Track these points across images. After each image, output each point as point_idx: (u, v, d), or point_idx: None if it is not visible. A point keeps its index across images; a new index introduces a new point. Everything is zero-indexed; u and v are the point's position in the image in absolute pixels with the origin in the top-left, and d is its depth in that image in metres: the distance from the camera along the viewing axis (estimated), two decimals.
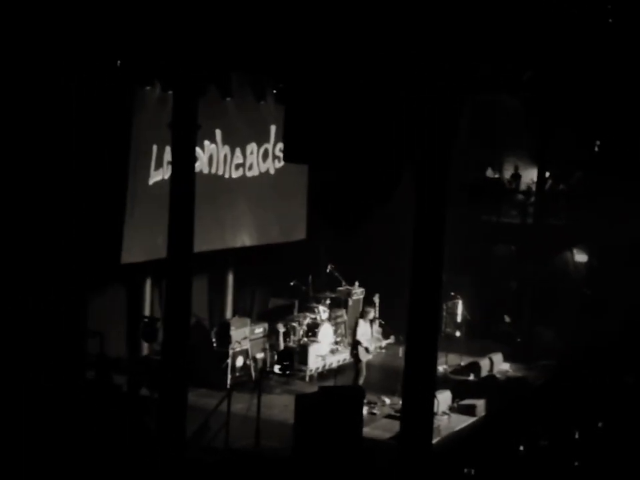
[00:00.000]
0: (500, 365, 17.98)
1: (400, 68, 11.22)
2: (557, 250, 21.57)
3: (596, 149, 23.51)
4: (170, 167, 13.36)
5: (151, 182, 15.11)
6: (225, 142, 16.53)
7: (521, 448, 12.87)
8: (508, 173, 23.73)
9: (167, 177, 14.67)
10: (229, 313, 17.93)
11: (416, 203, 11.27)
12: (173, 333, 12.39)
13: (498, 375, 17.54)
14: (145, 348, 16.03)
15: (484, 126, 22.94)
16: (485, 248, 21.97)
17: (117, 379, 13.72)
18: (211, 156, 16.31)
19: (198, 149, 14.46)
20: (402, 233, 15.35)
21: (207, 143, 16.06)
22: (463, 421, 14.92)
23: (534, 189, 22.42)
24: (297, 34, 11.50)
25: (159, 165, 15.16)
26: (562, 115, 20.60)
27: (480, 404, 15.30)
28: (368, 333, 15.93)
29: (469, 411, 15.20)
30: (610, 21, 14.05)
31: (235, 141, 16.80)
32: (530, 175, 23.38)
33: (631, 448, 12.45)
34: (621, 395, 15.46)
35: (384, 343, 17.10)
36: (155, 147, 14.98)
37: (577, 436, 13.34)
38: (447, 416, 14.94)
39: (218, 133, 16.34)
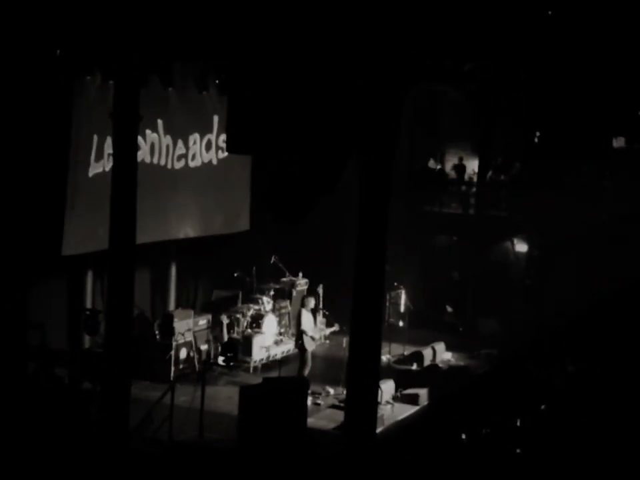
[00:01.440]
0: (442, 355, 18.15)
1: (343, 58, 11.24)
2: (497, 240, 21.84)
3: (536, 140, 23.84)
4: (111, 158, 13.22)
5: (91, 173, 14.94)
6: (167, 132, 16.41)
7: (463, 436, 13.01)
8: (450, 164, 23.94)
9: (107, 168, 14.54)
10: (172, 305, 17.82)
11: (360, 193, 11.32)
12: (116, 325, 12.28)
13: (440, 365, 17.70)
14: (87, 340, 15.86)
15: (427, 117, 23.12)
16: (427, 238, 22.15)
17: (59, 371, 13.54)
18: (152, 145, 16.17)
19: (139, 138, 14.32)
20: (345, 223, 15.45)
21: (148, 132, 15.91)
22: (406, 410, 15.03)
23: (475, 179, 22.66)
24: (238, 24, 11.44)
25: (100, 156, 14.99)
26: (503, 106, 20.85)
27: (423, 393, 15.43)
28: (311, 323, 15.95)
29: (412, 400, 15.32)
30: (549, 13, 14.24)
31: (177, 131, 16.68)
32: (471, 166, 23.63)
33: (573, 435, 12.66)
34: (562, 383, 15.72)
35: (328, 331, 17.13)
36: (95, 138, 14.81)
37: (518, 424, 13.52)
38: (391, 405, 15.04)
39: (160, 122, 16.21)
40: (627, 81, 19.22)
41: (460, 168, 23.72)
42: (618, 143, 23.22)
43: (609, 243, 20.08)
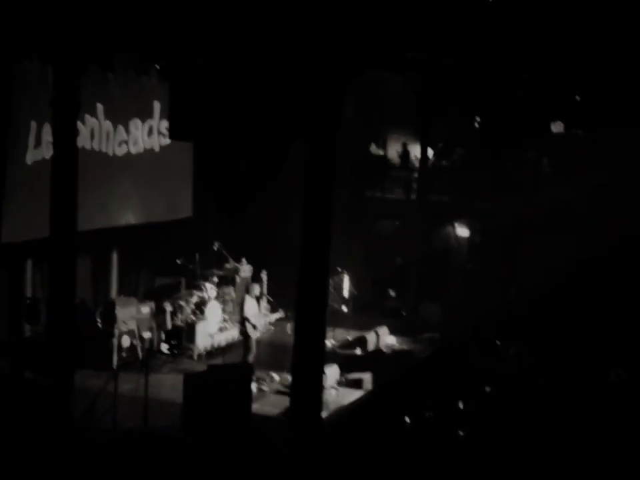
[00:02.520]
0: (386, 339, 18.27)
1: (285, 45, 11.22)
2: (440, 225, 22.03)
3: (476, 125, 24.09)
4: (50, 146, 13.04)
5: (30, 160, 14.74)
6: (107, 117, 16.24)
7: (407, 420, 13.15)
8: (392, 150, 24.06)
9: (47, 156, 14.32)
10: (114, 293, 17.66)
11: (304, 180, 11.32)
12: (57, 314, 12.14)
13: (384, 349, 17.83)
14: (28, 330, 15.64)
15: (368, 104, 23.19)
16: (370, 224, 22.26)
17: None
18: (92, 130, 16.00)
19: (79, 123, 14.18)
20: (289, 209, 15.44)
21: (87, 117, 15.73)
22: (351, 395, 15.11)
23: (417, 165, 22.81)
24: (178, 11, 11.36)
25: (38, 143, 14.79)
26: (444, 92, 21.01)
27: (367, 377, 15.53)
28: (255, 309, 15.93)
29: (357, 384, 15.40)
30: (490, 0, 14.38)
31: (118, 116, 16.52)
32: (413, 152, 23.78)
33: (514, 417, 12.87)
34: (503, 366, 15.97)
35: (272, 317, 17.13)
36: (34, 125, 14.61)
37: (460, 406, 13.70)
38: (335, 390, 15.11)
39: (99, 107, 16.04)
40: (564, 66, 19.52)
41: (404, 153, 23.88)
42: (556, 128, 23.56)
43: (548, 228, 20.40)
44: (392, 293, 21.55)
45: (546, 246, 19.80)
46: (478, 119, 24.07)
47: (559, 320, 18.22)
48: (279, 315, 16.79)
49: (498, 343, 17.24)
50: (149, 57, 15.35)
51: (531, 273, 19.46)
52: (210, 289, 17.58)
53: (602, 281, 19.58)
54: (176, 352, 16.56)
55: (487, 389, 14.47)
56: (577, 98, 22.78)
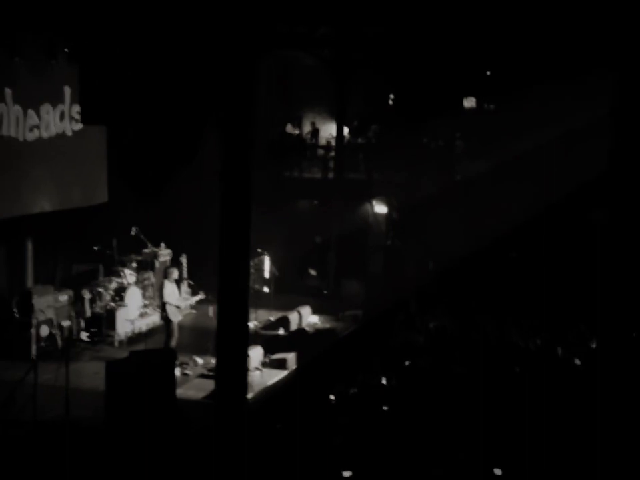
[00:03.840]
0: (308, 318, 18.37)
1: (196, 24, 11.10)
2: (357, 203, 22.16)
3: (390, 102, 24.26)
4: None
5: None
6: (16, 101, 15.85)
7: (332, 397, 13.24)
8: (308, 129, 24.08)
9: None
10: (30, 282, 17.31)
11: (221, 161, 11.23)
12: None
13: (307, 328, 17.92)
14: None
15: (281, 83, 23.15)
16: (289, 204, 22.26)
17: None
18: (1, 115, 15.61)
19: None
20: (207, 192, 15.34)
21: None
22: (275, 375, 15.16)
23: (333, 143, 22.88)
24: None
25: None
26: (357, 69, 21.10)
27: (291, 357, 15.59)
28: (175, 293, 15.81)
29: (281, 364, 15.46)
30: None
31: (27, 100, 16.14)
32: (329, 130, 23.83)
33: (436, 390, 13.07)
34: (423, 340, 16.19)
35: (193, 300, 17.03)
36: None
37: (383, 382, 13.86)
38: (260, 371, 15.15)
39: (7, 92, 15.64)
40: (474, 41, 19.78)
41: (314, 132, 23.91)
42: (469, 103, 23.87)
43: (463, 202, 20.71)
44: (313, 272, 21.64)
45: (461, 220, 20.11)
46: (392, 95, 24.24)
47: (475, 291, 18.56)
48: (199, 297, 16.67)
49: (418, 317, 17.48)
50: (57, 39, 15.07)
51: (447, 247, 19.73)
52: (129, 275, 17.38)
53: (513, 251, 20.03)
54: (96, 339, 16.36)
55: (409, 362, 14.66)
56: (487, 73, 23.13)
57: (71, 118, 17.12)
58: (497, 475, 10.76)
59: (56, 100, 16.84)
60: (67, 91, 16.94)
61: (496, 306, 17.62)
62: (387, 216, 22.29)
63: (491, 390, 12.69)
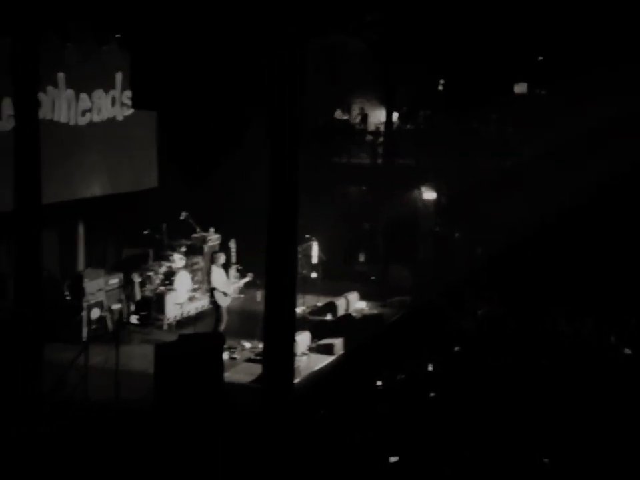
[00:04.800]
0: (356, 304, 18.34)
1: (246, 9, 11.12)
2: (406, 189, 22.06)
3: (440, 87, 24.08)
4: (11, 119, 12.86)
5: None
6: (68, 86, 16.04)
7: (379, 383, 13.25)
8: (357, 115, 24.00)
9: (7, 128, 14.13)
10: (81, 265, 17.54)
11: (270, 147, 11.26)
12: (25, 288, 12.05)
13: (354, 314, 17.89)
14: None
15: (330, 68, 23.08)
16: (337, 190, 22.24)
17: None
18: (53, 101, 15.80)
19: (41, 94, 13.97)
20: (255, 177, 15.37)
21: (50, 88, 15.54)
22: (322, 361, 15.18)
23: (382, 129, 22.79)
24: None
25: None
26: (406, 54, 20.96)
27: (338, 343, 15.60)
28: (223, 278, 15.89)
29: (328, 350, 15.46)
30: None
31: (80, 85, 16.33)
32: (378, 116, 23.72)
33: (484, 377, 13.01)
34: (472, 326, 16.11)
35: (242, 282, 17.10)
36: None
37: (430, 368, 13.83)
38: (306, 356, 15.17)
39: (60, 76, 15.83)
40: (527, 27, 19.53)
41: (363, 118, 23.83)
42: (519, 89, 23.60)
43: (513, 188, 20.50)
44: (361, 258, 21.60)
45: (511, 205, 19.91)
46: (441, 81, 24.06)
47: (526, 278, 18.39)
48: (247, 278, 16.74)
49: (467, 303, 17.39)
50: (108, 25, 15.20)
51: (497, 234, 19.58)
52: (178, 259, 17.51)
53: (566, 239, 19.78)
54: (146, 323, 16.52)
55: (457, 349, 14.61)
56: (540, 58, 22.85)
57: (122, 103, 17.29)
58: (545, 464, 10.70)
59: (107, 85, 17.00)
60: (119, 76, 17.09)
61: (545, 294, 17.46)
62: (436, 202, 22.16)
63: (538, 379, 12.62)
